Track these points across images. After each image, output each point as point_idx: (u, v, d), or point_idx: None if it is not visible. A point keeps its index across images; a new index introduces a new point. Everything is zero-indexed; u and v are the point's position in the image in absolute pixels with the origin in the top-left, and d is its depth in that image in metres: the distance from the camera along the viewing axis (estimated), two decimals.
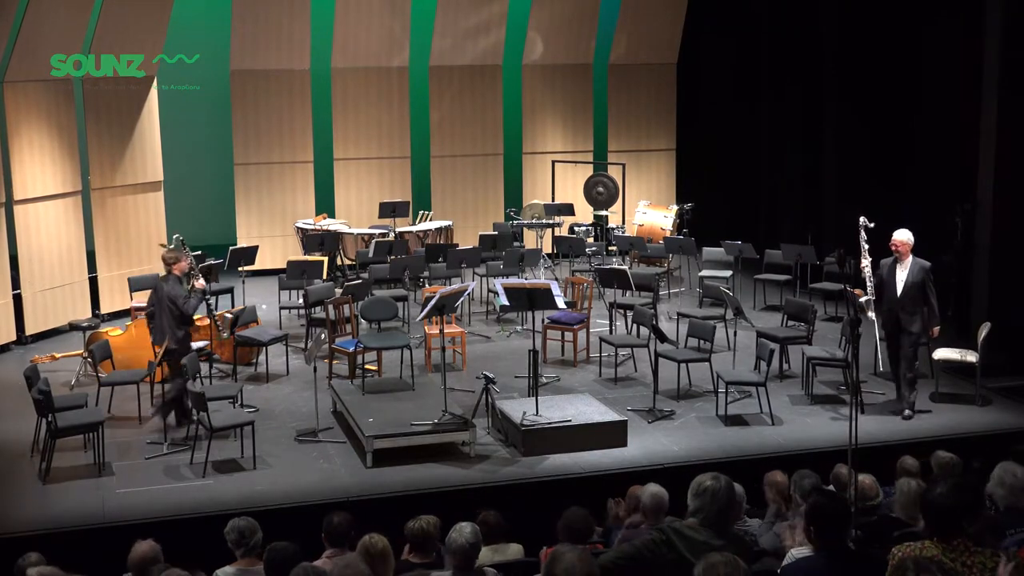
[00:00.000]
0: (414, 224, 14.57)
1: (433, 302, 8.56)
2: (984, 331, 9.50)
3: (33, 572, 5.02)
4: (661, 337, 9.52)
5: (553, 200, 15.26)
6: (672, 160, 16.32)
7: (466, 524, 5.02)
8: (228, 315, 10.02)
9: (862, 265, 9.03)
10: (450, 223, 14.59)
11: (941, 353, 9.72)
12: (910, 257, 8.92)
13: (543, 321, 10.73)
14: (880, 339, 9.41)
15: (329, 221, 14.43)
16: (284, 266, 12.55)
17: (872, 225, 8.89)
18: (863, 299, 9.04)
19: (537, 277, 12.69)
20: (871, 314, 9.20)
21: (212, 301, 9.81)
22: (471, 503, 7.13)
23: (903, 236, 8.93)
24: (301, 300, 11.52)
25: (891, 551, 4.24)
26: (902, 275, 8.91)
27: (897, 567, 3.63)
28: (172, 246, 9.68)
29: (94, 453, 8.17)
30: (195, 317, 10.85)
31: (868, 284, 9.05)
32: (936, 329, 9.10)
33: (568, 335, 10.72)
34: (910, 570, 3.51)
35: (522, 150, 15.93)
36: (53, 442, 8.08)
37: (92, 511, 7.43)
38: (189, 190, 15.42)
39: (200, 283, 9.12)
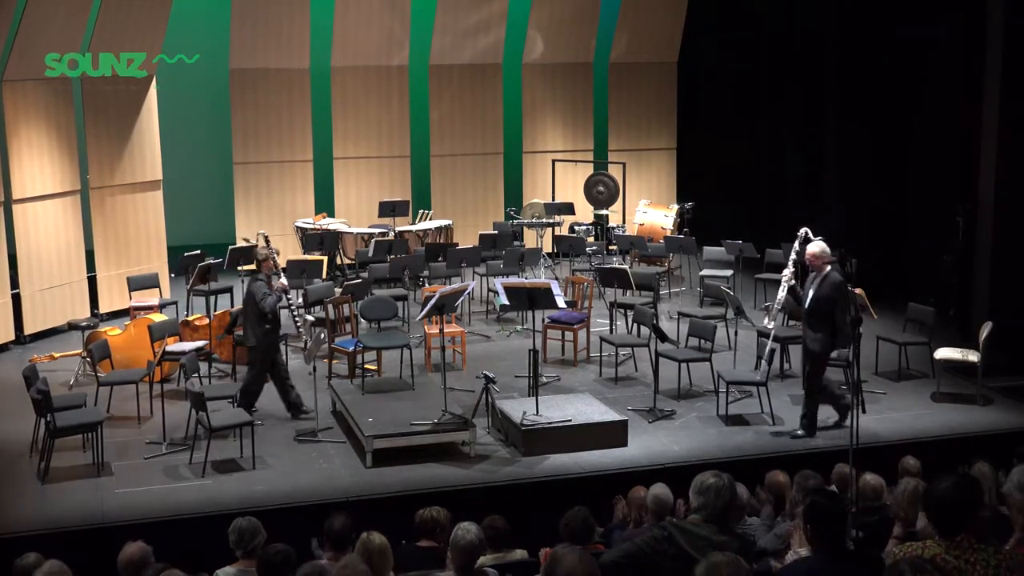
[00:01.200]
0: (414, 223, 14.54)
1: (433, 301, 8.53)
2: (986, 330, 9.47)
3: (44, 567, 4.98)
4: (662, 337, 9.51)
5: (553, 199, 15.24)
6: (673, 159, 16.30)
7: (471, 524, 5.01)
8: (310, 317, 9.82)
9: (782, 274, 8.85)
10: (450, 222, 14.57)
11: (943, 353, 9.70)
12: (825, 270, 8.43)
13: (543, 321, 10.71)
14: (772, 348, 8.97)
15: (329, 220, 14.41)
16: (283, 265, 12.50)
17: (816, 239, 8.54)
18: (766, 304, 8.82)
19: (537, 276, 12.66)
20: (767, 321, 8.99)
21: (294, 304, 9.62)
22: (471, 503, 7.13)
23: (813, 248, 8.47)
24: (300, 299, 11.49)
25: (891, 551, 4.22)
26: (811, 289, 8.49)
27: (892, 568, 3.63)
28: (262, 243, 9.70)
29: (93, 453, 8.15)
30: (193, 318, 10.93)
31: (781, 293, 8.74)
32: (844, 352, 8.41)
33: (568, 335, 10.69)
34: (906, 572, 3.49)
35: (522, 149, 15.91)
36: (52, 442, 8.06)
37: (91, 511, 7.41)
38: (188, 189, 15.41)
39: (281, 282, 9.14)
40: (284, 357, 9.53)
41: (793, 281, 8.59)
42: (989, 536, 4.09)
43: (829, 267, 8.45)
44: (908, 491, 5.52)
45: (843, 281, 8.43)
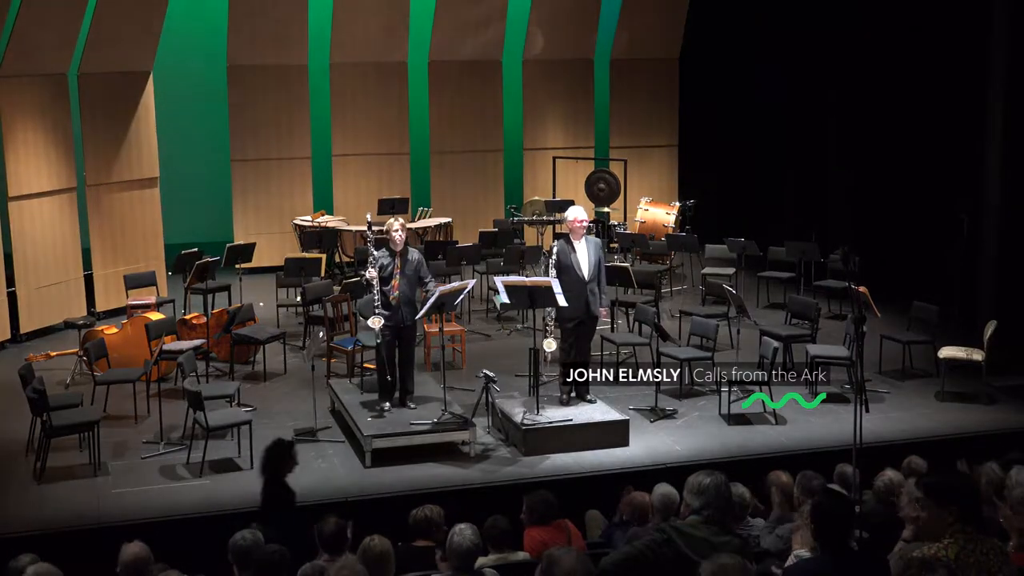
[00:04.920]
0: (413, 221, 14.46)
1: (432, 300, 8.45)
2: (990, 329, 9.40)
3: (31, 570, 4.91)
4: (663, 335, 9.43)
5: (554, 197, 15.16)
6: (674, 156, 16.22)
7: (466, 525, 4.96)
8: (373, 324, 8.59)
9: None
10: (450, 220, 14.48)
11: (947, 351, 9.62)
12: (584, 234, 8.75)
13: (543, 319, 10.59)
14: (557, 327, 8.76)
15: (327, 218, 14.32)
16: (282, 263, 12.46)
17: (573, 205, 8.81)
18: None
19: (538, 274, 12.56)
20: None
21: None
22: (471, 503, 7.06)
23: (583, 214, 8.79)
24: (299, 298, 11.43)
25: (904, 552, 4.18)
26: (584, 256, 8.66)
27: (904, 568, 3.58)
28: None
29: (89, 453, 8.08)
30: (190, 316, 10.86)
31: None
32: (604, 310, 8.91)
33: None
34: (913, 566, 3.50)
35: (523, 146, 15.83)
36: (48, 441, 8.01)
37: (87, 511, 7.36)
38: (186, 187, 15.30)
39: (368, 273, 8.53)
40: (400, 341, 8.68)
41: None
42: (989, 528, 4.10)
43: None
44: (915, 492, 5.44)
45: (600, 240, 9.07)
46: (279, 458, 6.52)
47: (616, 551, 4.39)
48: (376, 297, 8.52)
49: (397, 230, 8.57)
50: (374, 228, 8.73)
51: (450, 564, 4.93)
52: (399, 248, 8.56)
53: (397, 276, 8.55)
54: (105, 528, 7.05)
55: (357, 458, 8.20)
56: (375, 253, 8.52)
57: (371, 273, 8.49)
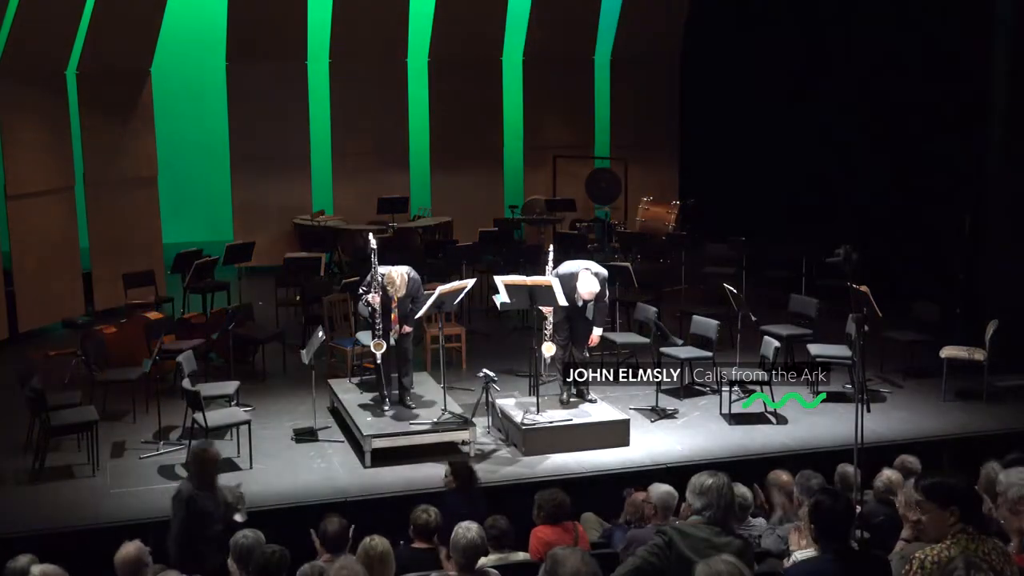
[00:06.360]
0: (412, 221, 14.43)
1: (432, 300, 8.42)
2: (992, 329, 9.37)
3: (36, 570, 4.89)
4: (664, 335, 9.40)
5: (554, 196, 15.14)
6: (675, 155, 16.19)
7: (471, 523, 4.95)
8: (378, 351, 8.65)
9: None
10: (450, 220, 14.46)
11: (949, 351, 9.60)
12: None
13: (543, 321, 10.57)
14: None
15: (326, 217, 14.30)
16: (281, 263, 12.43)
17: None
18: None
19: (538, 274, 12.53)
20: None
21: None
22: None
23: (596, 288, 8.57)
24: (298, 297, 11.41)
25: (906, 553, 4.15)
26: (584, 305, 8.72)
27: (947, 565, 3.62)
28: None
29: (88, 452, 8.06)
30: (189, 315, 10.84)
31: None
32: (596, 336, 8.83)
33: None
34: (959, 568, 3.50)
35: (523, 145, 15.80)
36: (46, 441, 7.99)
37: (86, 511, 7.33)
38: (185, 185, 15.29)
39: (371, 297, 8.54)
40: (394, 342, 8.63)
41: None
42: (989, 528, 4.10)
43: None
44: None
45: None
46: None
47: (623, 564, 4.36)
48: (377, 323, 8.50)
49: (397, 285, 8.36)
50: (375, 241, 8.68)
51: (454, 560, 4.92)
52: (399, 296, 8.45)
53: (395, 310, 8.50)
54: (103, 528, 7.02)
55: (356, 458, 8.17)
56: (378, 277, 8.45)
57: (374, 298, 8.45)
